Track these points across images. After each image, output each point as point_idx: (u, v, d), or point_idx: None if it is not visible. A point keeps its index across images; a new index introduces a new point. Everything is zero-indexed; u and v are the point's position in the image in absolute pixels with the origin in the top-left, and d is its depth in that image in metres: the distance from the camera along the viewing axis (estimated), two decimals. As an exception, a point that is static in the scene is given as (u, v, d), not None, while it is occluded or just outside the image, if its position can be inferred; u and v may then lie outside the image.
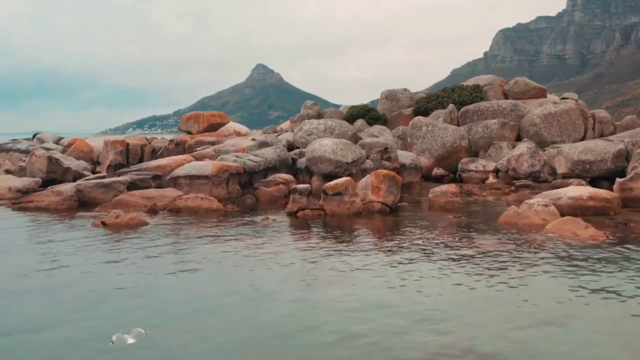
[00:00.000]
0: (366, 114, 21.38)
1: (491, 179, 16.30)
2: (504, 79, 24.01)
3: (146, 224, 10.23)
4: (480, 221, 10.71)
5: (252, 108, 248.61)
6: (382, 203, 11.68)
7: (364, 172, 14.78)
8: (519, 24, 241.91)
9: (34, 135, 34.09)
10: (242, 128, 31.73)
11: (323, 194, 11.48)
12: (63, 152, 20.24)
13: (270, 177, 14.41)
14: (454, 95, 21.98)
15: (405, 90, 23.01)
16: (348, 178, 11.54)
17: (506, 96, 23.35)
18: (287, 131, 21.82)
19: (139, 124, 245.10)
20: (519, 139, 19.93)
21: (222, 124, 26.22)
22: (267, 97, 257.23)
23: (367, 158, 15.12)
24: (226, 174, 13.47)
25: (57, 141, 30.29)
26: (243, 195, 13.77)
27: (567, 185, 14.32)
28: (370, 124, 21.08)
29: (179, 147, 15.89)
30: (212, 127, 25.80)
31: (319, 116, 22.72)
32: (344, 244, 8.80)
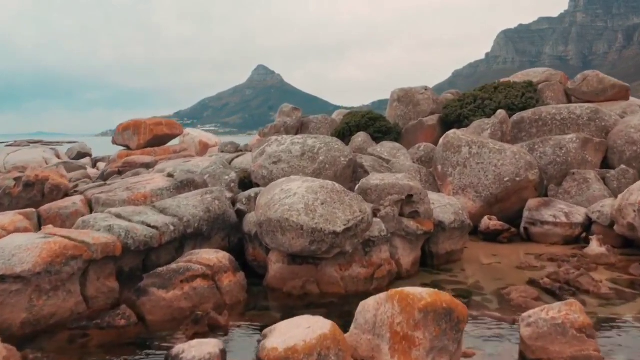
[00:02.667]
0: (370, 124, 13.94)
1: (596, 247, 8.80)
2: (565, 74, 16.55)
3: None
4: None
5: (253, 109, 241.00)
6: (418, 379, 4.26)
7: (371, 245, 7.39)
8: (520, 25, 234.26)
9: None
10: (210, 138, 24.40)
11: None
12: None
13: (183, 259, 7.00)
14: (499, 97, 14.53)
15: (426, 89, 15.53)
16: (328, 330, 4.08)
17: (569, 98, 15.97)
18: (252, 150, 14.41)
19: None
20: (604, 165, 12.54)
21: (173, 136, 18.82)
22: (268, 98, 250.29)
23: (376, 215, 7.71)
24: (75, 263, 6.08)
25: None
26: (118, 306, 6.38)
27: None
28: (376, 139, 13.69)
29: (31, 191, 8.34)
30: (159, 140, 18.41)
31: (301, 127, 15.31)
32: None
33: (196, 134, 24.13)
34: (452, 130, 11.62)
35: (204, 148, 23.12)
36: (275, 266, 7.36)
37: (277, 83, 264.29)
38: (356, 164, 10.60)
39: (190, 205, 7.81)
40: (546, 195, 11.42)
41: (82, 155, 26.20)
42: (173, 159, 17.38)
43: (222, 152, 14.87)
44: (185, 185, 8.64)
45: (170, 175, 8.74)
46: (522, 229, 10.47)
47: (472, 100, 14.38)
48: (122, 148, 18.44)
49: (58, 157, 24.17)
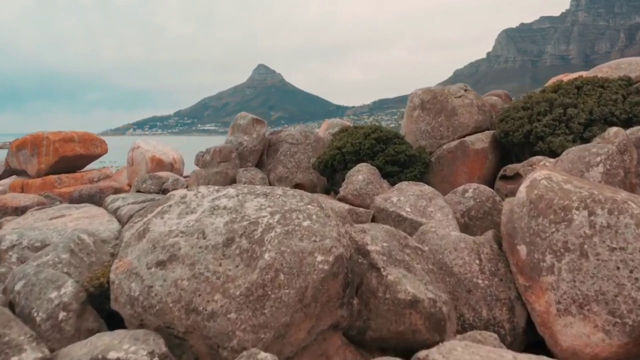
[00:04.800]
0: (379, 149, 8.05)
1: None
2: (674, 66, 10.63)
3: None
4: None
5: (253, 109, 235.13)
6: None
7: None
8: (522, 24, 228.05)
9: None
10: (167, 153, 18.35)
11: None
12: None
13: None
14: (588, 102, 8.61)
15: (466, 89, 9.63)
16: None
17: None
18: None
19: (140, 125, 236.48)
20: None
21: (91, 157, 12.90)
22: (268, 97, 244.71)
23: None
24: None
25: None
26: None
27: None
28: (388, 175, 7.81)
29: None
30: (70, 163, 12.50)
31: (268, 149, 9.44)
32: None
33: (149, 147, 18.11)
34: (545, 172, 5.70)
35: (157, 167, 17.22)
36: None
37: (277, 82, 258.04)
38: (352, 258, 4.70)
39: None
40: None
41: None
42: (84, 193, 11.59)
43: (139, 191, 9.00)
44: None
45: None
46: None
47: (546, 107, 8.45)
48: (18, 174, 12.60)
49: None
